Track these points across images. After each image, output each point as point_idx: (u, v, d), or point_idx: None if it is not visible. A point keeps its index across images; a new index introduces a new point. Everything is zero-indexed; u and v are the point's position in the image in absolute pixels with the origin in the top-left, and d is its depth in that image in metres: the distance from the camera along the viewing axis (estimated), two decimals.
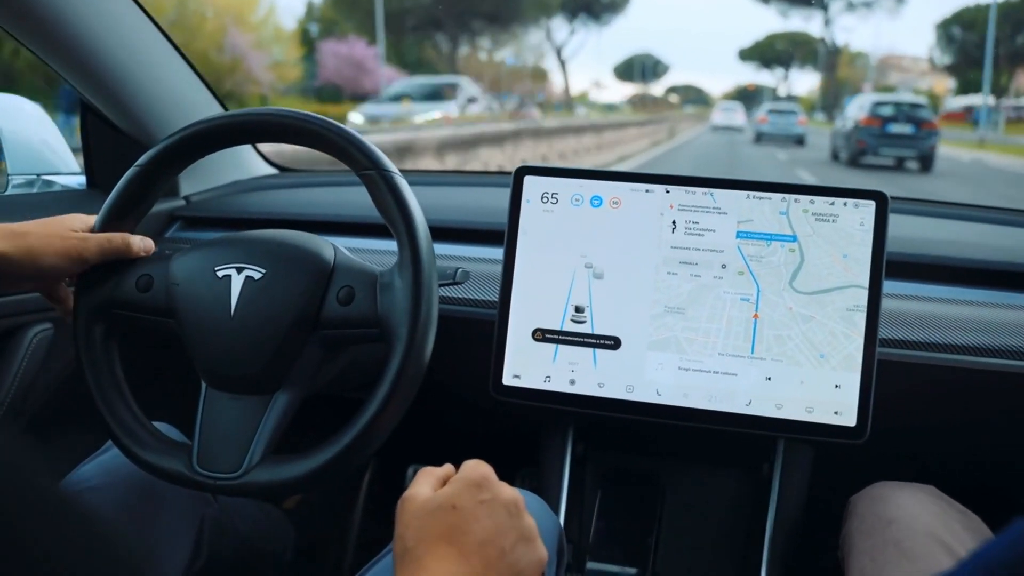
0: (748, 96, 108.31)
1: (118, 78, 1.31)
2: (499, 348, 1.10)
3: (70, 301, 1.00)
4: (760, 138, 29.07)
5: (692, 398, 1.05)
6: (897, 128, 17.25)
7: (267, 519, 1.25)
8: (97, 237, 0.95)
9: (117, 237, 0.97)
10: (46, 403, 1.32)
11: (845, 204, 1.04)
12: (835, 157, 19.80)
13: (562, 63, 60.94)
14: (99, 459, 1.06)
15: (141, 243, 0.99)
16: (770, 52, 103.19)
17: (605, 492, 1.26)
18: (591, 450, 1.27)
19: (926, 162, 17.24)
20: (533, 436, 1.30)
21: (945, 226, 1.38)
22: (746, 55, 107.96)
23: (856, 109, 19.10)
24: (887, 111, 17.56)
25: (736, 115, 44.52)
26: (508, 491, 0.73)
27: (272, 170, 1.74)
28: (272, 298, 0.93)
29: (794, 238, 1.04)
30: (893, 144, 17.41)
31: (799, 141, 27.21)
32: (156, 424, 1.04)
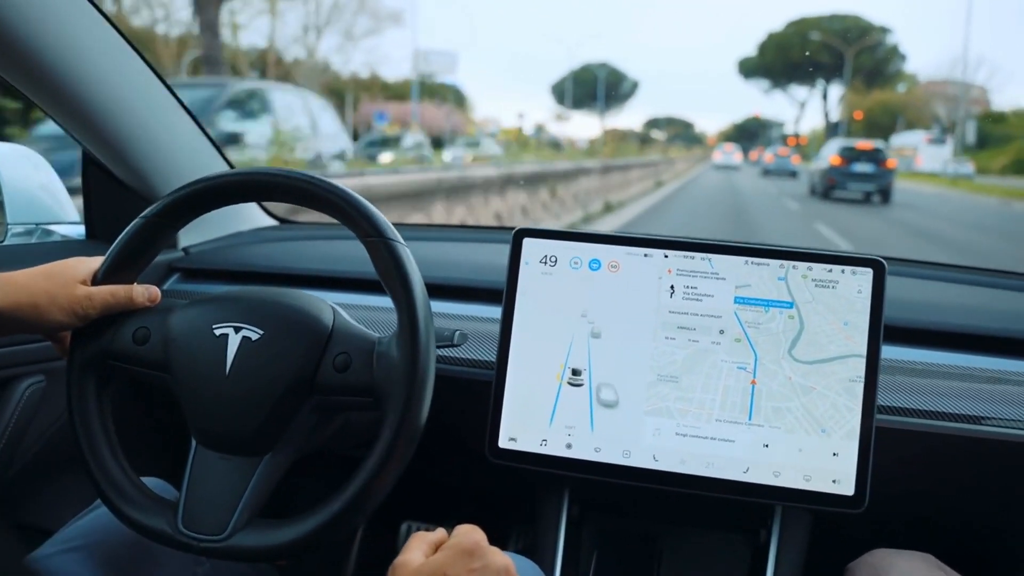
0: (750, 132, 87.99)
1: (122, 131, 1.32)
2: (495, 410, 1.09)
3: (67, 340, 0.99)
4: (767, 173, 37.43)
5: (689, 464, 1.04)
6: (860, 167, 20.82)
7: None
8: (101, 293, 0.95)
9: (121, 291, 0.96)
10: (36, 456, 1.30)
11: (843, 271, 1.04)
12: (812, 192, 23.08)
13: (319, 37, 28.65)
14: (93, 514, 1.05)
15: (145, 293, 0.99)
16: (794, 53, 63.67)
17: (601, 555, 1.25)
18: (587, 511, 1.26)
19: (885, 195, 20.87)
20: (528, 494, 1.29)
21: (944, 289, 1.38)
22: (751, 68, 72.85)
23: (828, 151, 22.91)
24: (852, 153, 21.16)
25: (734, 156, 52.35)
26: (500, 558, 0.73)
27: (272, 222, 1.74)
28: (268, 360, 0.93)
29: (791, 304, 1.04)
30: (858, 180, 20.91)
31: (792, 174, 35.46)
32: (149, 480, 1.03)
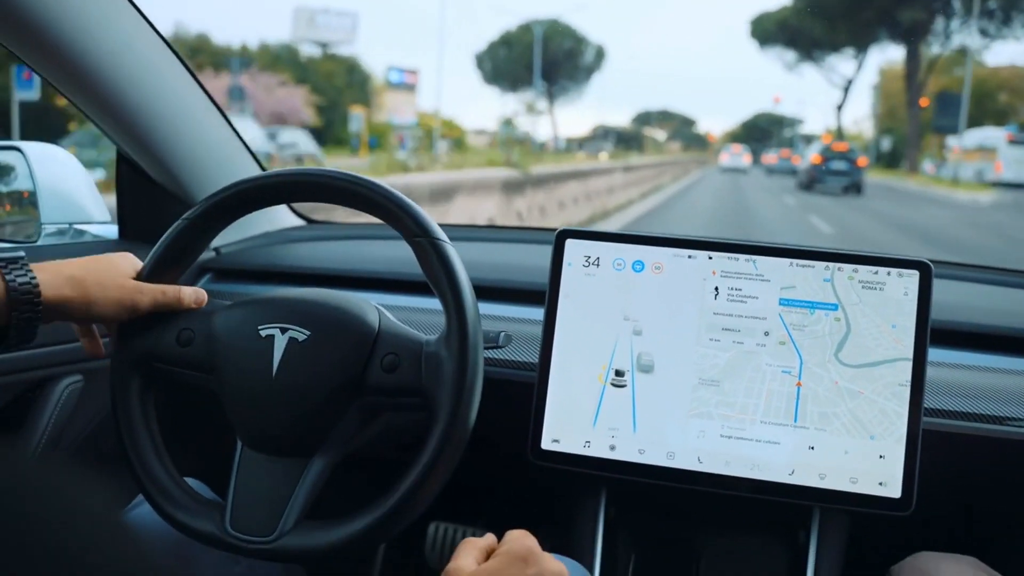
0: (760, 130, 78.34)
1: (157, 132, 1.31)
2: (538, 412, 1.09)
3: (98, 338, 0.99)
4: (771, 172, 42.71)
5: (734, 466, 1.04)
6: (836, 165, 25.58)
7: None
8: (152, 289, 0.94)
9: (171, 290, 0.96)
10: (74, 455, 1.30)
11: (889, 273, 1.04)
12: (800, 186, 27.28)
13: None
14: (129, 515, 1.05)
15: (193, 295, 0.98)
16: None
17: (639, 558, 1.24)
18: (624, 513, 1.26)
19: (858, 188, 25.18)
20: (558, 495, 1.28)
21: (991, 292, 1.38)
22: (772, 28, 49.39)
23: (811, 151, 28.72)
24: (830, 153, 26.27)
25: (742, 158, 50.37)
26: (554, 564, 0.73)
27: (299, 221, 1.74)
28: (315, 361, 0.92)
29: (836, 306, 1.04)
30: (834, 175, 25.41)
31: (793, 172, 38.20)
32: (188, 480, 1.03)
